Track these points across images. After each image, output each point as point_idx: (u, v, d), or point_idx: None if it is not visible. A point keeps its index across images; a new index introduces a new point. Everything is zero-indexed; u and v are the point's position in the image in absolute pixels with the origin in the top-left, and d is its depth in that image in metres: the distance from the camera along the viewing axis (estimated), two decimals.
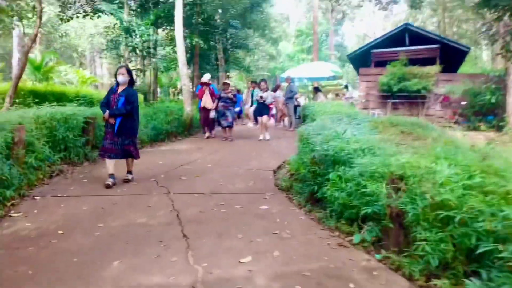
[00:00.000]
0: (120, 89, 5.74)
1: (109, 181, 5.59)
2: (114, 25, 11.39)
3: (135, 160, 6.10)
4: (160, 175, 6.35)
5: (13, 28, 16.59)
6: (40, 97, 14.87)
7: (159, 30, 16.92)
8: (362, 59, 18.15)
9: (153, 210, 4.61)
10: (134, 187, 5.68)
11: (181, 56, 11.54)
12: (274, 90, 16.65)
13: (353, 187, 4.03)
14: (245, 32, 23.65)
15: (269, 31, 38.88)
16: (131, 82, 5.88)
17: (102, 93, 14.33)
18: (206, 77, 11.42)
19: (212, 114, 10.90)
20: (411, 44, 16.78)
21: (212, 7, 16.35)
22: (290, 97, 14.02)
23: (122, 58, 11.53)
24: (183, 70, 11.61)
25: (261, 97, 10.92)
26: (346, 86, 19.66)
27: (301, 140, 6.74)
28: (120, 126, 5.69)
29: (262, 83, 11.33)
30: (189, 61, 19.89)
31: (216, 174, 6.60)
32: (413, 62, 15.68)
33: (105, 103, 5.78)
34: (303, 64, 21.99)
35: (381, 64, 16.88)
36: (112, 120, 5.66)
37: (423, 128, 9.19)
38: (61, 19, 12.44)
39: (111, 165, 5.75)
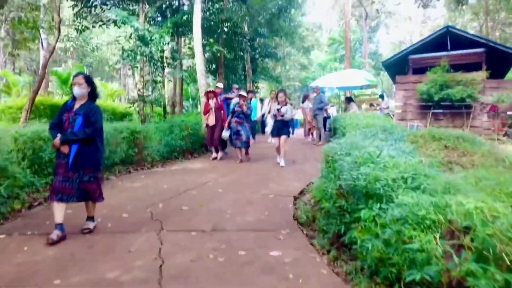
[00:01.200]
0: (77, 105, 4.21)
1: (54, 235, 3.95)
2: (131, 34, 10.73)
3: (134, 184, 5.13)
4: (159, 204, 5.39)
5: (34, 41, 16.34)
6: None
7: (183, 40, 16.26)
8: (398, 66, 16.81)
9: (134, 257, 3.61)
10: (123, 221, 4.71)
11: (199, 65, 10.67)
12: (303, 100, 15.58)
13: (393, 235, 2.90)
14: (273, 41, 22.76)
15: (300, 40, 37.98)
16: (93, 95, 4.32)
17: (125, 105, 13.67)
18: (219, 85, 10.46)
19: (224, 134, 9.21)
20: (453, 49, 15.33)
21: (238, 15, 15.50)
22: (319, 108, 12.89)
23: (136, 69, 10.78)
24: (201, 80, 10.73)
25: (278, 111, 8.60)
26: (381, 96, 18.27)
27: (326, 161, 5.65)
28: (77, 157, 4.09)
29: (280, 95, 8.83)
30: (214, 72, 19.16)
31: (225, 202, 5.56)
32: (455, 68, 14.26)
33: (56, 124, 4.20)
34: (334, 72, 20.77)
35: (420, 71, 15.51)
36: (65, 149, 4.07)
37: (469, 142, 7.94)
38: (77, 30, 11.92)
39: (59, 210, 4.07)
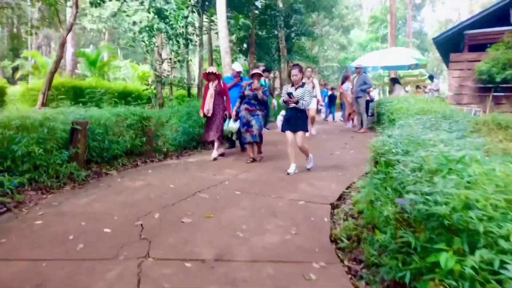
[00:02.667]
0: None
1: None
2: (148, 8, 9.55)
3: (136, 183, 3.96)
4: (155, 213, 4.18)
5: (52, 19, 15.51)
6: (81, 94, 13.54)
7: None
8: (451, 43, 14.83)
9: None
10: (101, 240, 3.52)
11: (223, 41, 9.36)
12: (342, 82, 14.01)
13: None
14: (310, 18, 21.08)
15: (339, 18, 35.91)
16: None
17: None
18: (236, 66, 8.56)
19: (232, 124, 7.36)
20: None
21: None
22: (362, 90, 11.32)
23: (151, 47, 9.58)
24: (225, 59, 9.43)
25: (290, 96, 6.01)
26: (431, 77, 16.39)
27: (374, 160, 4.28)
28: None
29: (294, 71, 6.13)
30: (246, 52, 17.82)
31: (240, 211, 4.29)
32: None
33: None
34: (377, 51, 18.84)
35: (476, 48, 13.54)
36: None
37: None
38: (91, 3, 10.91)
39: None
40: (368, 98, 11.79)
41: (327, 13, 20.25)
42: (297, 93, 6.06)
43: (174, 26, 9.35)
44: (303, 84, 6.20)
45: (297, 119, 6.07)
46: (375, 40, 36.66)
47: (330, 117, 17.61)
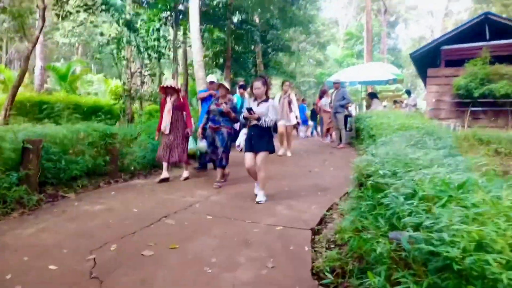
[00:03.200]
0: None
1: None
2: (117, 19, 9.05)
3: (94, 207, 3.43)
4: (112, 244, 3.65)
5: (18, 31, 14.84)
6: (47, 110, 12.84)
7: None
8: (428, 59, 14.84)
9: None
10: (42, 282, 2.98)
11: (197, 54, 8.93)
12: (320, 96, 13.75)
13: None
14: (287, 33, 20.94)
15: (316, 35, 36.09)
16: None
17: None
18: (210, 77, 8.03)
19: (200, 144, 6.46)
20: (492, 39, 13.34)
21: (248, 3, 13.70)
22: (341, 105, 11.03)
23: (120, 62, 9.04)
24: (199, 73, 8.99)
25: (250, 112, 5.11)
26: (408, 92, 16.33)
27: (359, 182, 3.89)
28: None
29: (257, 84, 5.27)
30: (222, 66, 17.46)
31: (210, 240, 3.80)
32: (497, 60, 12.28)
33: None
34: (355, 66, 18.72)
35: (453, 64, 13.58)
36: None
37: None
38: (57, 15, 10.35)
39: None
40: (346, 113, 11.52)
41: (304, 29, 20.11)
42: (259, 108, 5.17)
43: (145, 39, 8.88)
44: (267, 99, 5.32)
45: (259, 138, 5.19)
46: (350, 56, 36.96)
47: (309, 131, 17.28)
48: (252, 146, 5.26)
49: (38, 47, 19.45)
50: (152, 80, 10.36)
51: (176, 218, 4.49)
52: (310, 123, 16.75)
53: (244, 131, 5.52)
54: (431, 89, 13.15)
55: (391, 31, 50.31)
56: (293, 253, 3.54)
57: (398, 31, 53.75)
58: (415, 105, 16.12)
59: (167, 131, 6.51)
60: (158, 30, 8.88)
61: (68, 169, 5.42)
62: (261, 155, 5.21)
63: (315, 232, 4.17)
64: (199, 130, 6.47)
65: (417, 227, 2.31)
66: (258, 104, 5.28)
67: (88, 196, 5.50)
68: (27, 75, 23.67)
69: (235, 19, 16.32)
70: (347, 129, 11.98)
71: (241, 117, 5.37)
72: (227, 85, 6.36)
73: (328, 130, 13.18)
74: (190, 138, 6.71)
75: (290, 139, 9.47)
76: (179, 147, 6.55)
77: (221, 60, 17.39)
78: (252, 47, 19.41)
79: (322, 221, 4.53)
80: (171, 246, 3.60)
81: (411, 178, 2.89)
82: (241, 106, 8.40)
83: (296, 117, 9.52)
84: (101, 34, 9.02)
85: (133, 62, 9.63)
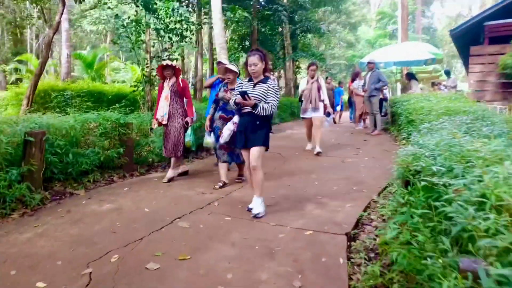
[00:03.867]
0: None
1: None
2: (136, 0, 8.51)
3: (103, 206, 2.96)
4: (114, 254, 3.15)
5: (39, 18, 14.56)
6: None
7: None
8: (470, 36, 13.66)
9: None
10: None
11: (219, 36, 8.29)
12: (352, 79, 12.91)
13: None
14: (316, 14, 19.97)
15: (346, 15, 34.77)
16: None
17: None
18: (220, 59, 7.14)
19: (208, 139, 5.45)
20: None
21: None
22: (377, 88, 10.21)
23: (138, 46, 8.46)
24: (221, 55, 8.35)
25: (244, 96, 3.93)
26: (447, 72, 15.17)
27: (404, 179, 3.25)
28: None
29: (252, 59, 4.04)
30: (247, 50, 16.79)
31: (227, 249, 3.24)
32: None
33: None
34: (389, 46, 17.48)
35: (498, 41, 12.39)
36: None
37: None
38: (75, 0, 9.94)
39: None
40: (381, 96, 10.68)
41: (334, 8, 19.10)
42: (255, 91, 4.02)
43: (165, 20, 8.32)
44: (266, 78, 4.15)
45: (254, 130, 4.06)
46: (383, 37, 35.38)
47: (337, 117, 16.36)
48: (247, 140, 4.10)
49: (63, 34, 19.29)
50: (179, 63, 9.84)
51: (191, 220, 3.95)
52: (338, 108, 15.75)
53: (234, 120, 4.39)
54: (474, 69, 12.07)
55: (426, 9, 48.07)
56: (325, 266, 2.94)
57: (433, 9, 51.23)
58: (455, 86, 15.00)
59: (165, 121, 5.63)
60: (178, 10, 8.29)
61: (77, 163, 4.96)
62: (256, 150, 4.04)
63: (351, 237, 3.55)
64: (206, 122, 5.53)
65: (500, 255, 1.68)
66: (254, 86, 4.08)
67: (99, 192, 5.04)
68: (56, 63, 23.78)
69: None
70: (382, 114, 11.16)
71: (231, 102, 4.23)
72: (235, 68, 5.28)
73: (361, 115, 12.38)
74: (189, 129, 5.76)
75: (318, 132, 7.82)
76: (176, 139, 5.64)
77: (247, 43, 16.73)
78: (280, 28, 18.61)
79: (359, 223, 3.90)
80: (181, 257, 3.07)
81: (476, 177, 2.24)
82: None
83: (325, 106, 7.84)
84: (116, 16, 8.46)
85: (153, 46, 9.07)
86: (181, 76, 5.76)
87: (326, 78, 15.64)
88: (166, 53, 8.57)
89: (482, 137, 3.97)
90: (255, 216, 4.02)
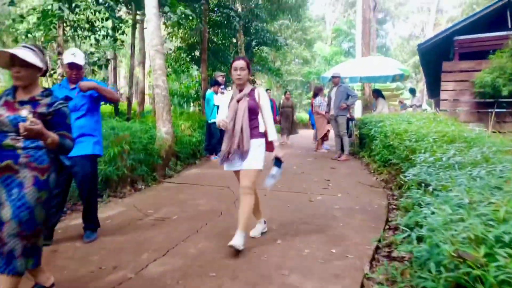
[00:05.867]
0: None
1: None
2: None
3: None
4: None
5: None
6: None
7: None
8: (438, 51, 12.67)
9: None
10: None
11: (153, 35, 6.52)
12: (314, 96, 11.47)
13: None
14: (272, 25, 18.60)
15: (302, 31, 33.95)
16: None
17: None
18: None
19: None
20: None
21: None
22: (347, 105, 8.82)
23: (47, 43, 6.51)
24: (156, 60, 6.57)
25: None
26: (412, 91, 14.16)
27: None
28: None
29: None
30: (198, 61, 15.13)
31: None
32: None
33: None
34: (354, 59, 16.30)
35: (469, 56, 11.43)
36: None
37: None
38: None
39: None
40: (348, 116, 9.24)
41: (293, 17, 17.80)
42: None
43: (86, 14, 6.45)
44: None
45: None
46: (339, 54, 34.89)
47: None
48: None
49: None
50: (93, 72, 7.81)
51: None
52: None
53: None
54: (447, 87, 10.97)
55: (379, 29, 48.42)
56: None
57: (388, 28, 51.70)
58: (420, 105, 14.01)
59: None
60: (104, 3, 6.43)
61: None
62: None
63: None
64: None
65: None
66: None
67: None
68: None
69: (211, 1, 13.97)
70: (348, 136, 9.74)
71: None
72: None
73: (323, 137, 10.90)
74: None
75: (247, 206, 5.34)
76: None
77: (198, 54, 15.04)
78: (234, 40, 17.07)
79: None
80: None
81: None
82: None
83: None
84: (11, 2, 6.29)
85: (58, 44, 6.94)
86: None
87: (285, 92, 14.05)
88: (92, 57, 6.63)
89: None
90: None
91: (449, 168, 3.57)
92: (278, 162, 3.56)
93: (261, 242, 3.75)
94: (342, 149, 9.05)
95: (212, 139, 8.61)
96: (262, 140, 3.61)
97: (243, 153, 3.46)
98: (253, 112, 3.54)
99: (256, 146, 3.52)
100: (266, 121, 3.59)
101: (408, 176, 3.75)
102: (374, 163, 7.57)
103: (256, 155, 3.49)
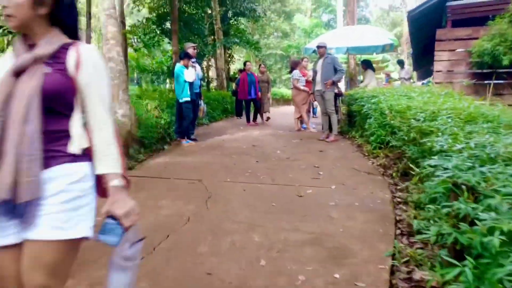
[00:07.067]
0: None
1: None
2: None
3: None
4: None
5: None
6: None
7: None
8: (429, 19, 11.72)
9: None
10: None
11: None
12: (290, 70, 10.40)
13: None
14: None
15: (281, 2, 32.57)
16: None
17: None
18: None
19: None
20: None
21: None
22: (334, 81, 7.87)
23: None
24: (108, 27, 5.40)
25: None
26: (400, 62, 13.26)
27: None
28: None
29: None
30: (167, 31, 13.85)
31: None
32: None
33: None
34: (341, 28, 15.05)
35: (462, 24, 10.53)
36: None
37: None
38: None
39: None
40: (336, 91, 8.25)
41: None
42: None
43: None
44: None
45: None
46: (319, 26, 33.62)
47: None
48: None
49: None
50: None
51: None
52: None
53: None
54: (441, 57, 10.06)
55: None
56: None
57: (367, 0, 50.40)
58: (409, 78, 13.16)
59: None
60: None
61: None
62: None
63: None
64: None
65: None
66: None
67: None
68: None
69: None
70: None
71: None
72: None
73: (300, 116, 9.87)
74: None
75: None
76: None
77: (168, 25, 13.75)
78: (209, 10, 15.78)
79: None
80: None
81: None
82: None
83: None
84: None
85: None
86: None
87: (260, 66, 12.78)
88: None
89: None
90: None
91: (488, 161, 2.63)
92: (123, 230, 1.49)
93: (237, 255, 2.80)
94: (330, 128, 8.10)
95: (184, 121, 7.55)
96: (81, 167, 1.46)
97: (22, 206, 1.31)
98: (58, 101, 1.42)
99: (64, 184, 1.39)
100: (97, 124, 1.50)
101: (434, 172, 2.79)
102: (368, 144, 6.66)
103: (62, 208, 1.37)
